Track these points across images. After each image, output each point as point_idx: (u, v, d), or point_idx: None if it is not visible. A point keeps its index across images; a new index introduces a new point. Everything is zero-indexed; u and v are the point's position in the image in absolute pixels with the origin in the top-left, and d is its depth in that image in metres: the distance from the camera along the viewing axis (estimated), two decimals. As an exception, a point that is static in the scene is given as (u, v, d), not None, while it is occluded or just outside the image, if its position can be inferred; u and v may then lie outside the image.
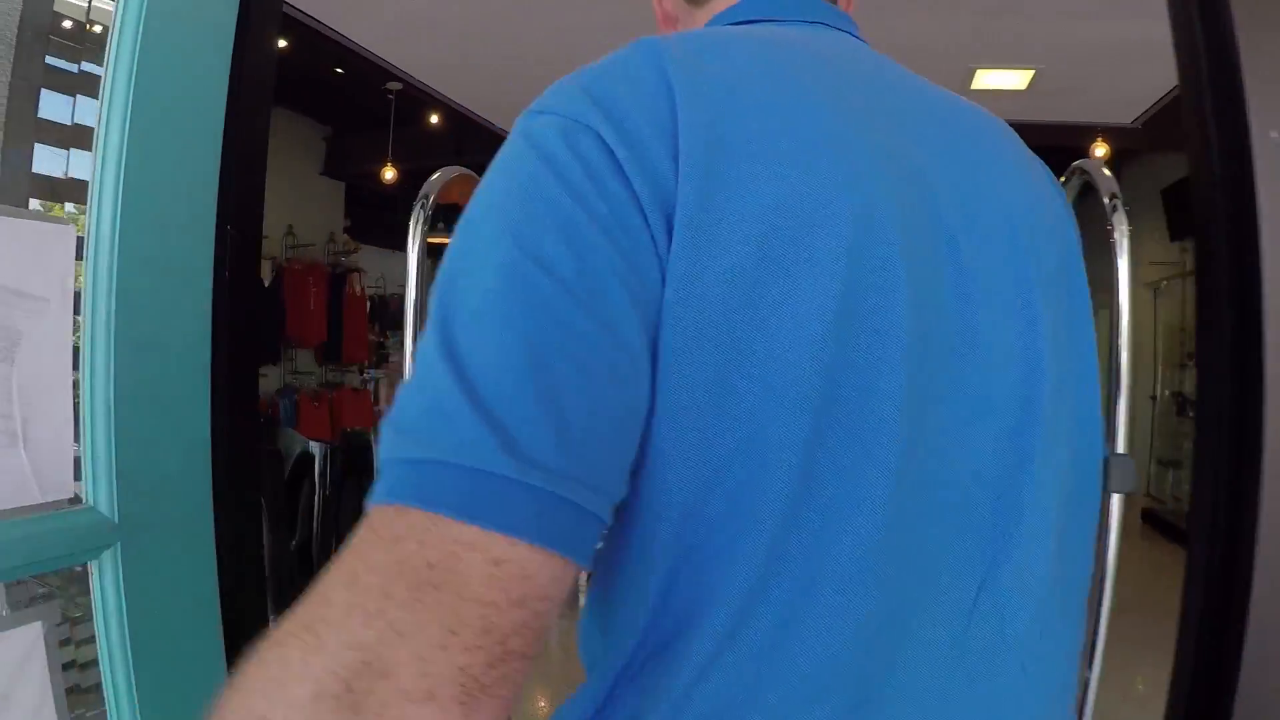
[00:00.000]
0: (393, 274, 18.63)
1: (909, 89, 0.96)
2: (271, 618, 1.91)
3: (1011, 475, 0.85)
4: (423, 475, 0.64)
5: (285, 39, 8.26)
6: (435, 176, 2.04)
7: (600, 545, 0.74)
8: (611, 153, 0.74)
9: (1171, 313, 11.38)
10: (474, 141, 10.99)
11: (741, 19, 1.01)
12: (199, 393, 1.72)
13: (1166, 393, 11.39)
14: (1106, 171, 2.11)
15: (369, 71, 9.06)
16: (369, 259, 17.70)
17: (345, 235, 13.04)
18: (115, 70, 1.59)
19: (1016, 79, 7.83)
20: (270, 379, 11.06)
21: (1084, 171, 2.12)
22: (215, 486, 1.74)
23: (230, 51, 1.80)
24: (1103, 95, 8.19)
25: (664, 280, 0.73)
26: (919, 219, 0.82)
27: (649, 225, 0.73)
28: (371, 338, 17.99)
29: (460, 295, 0.71)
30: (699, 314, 0.73)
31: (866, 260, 0.76)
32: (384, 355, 18.24)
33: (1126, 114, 8.78)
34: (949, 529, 0.82)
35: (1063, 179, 2.31)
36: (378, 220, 16.86)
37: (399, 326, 17.96)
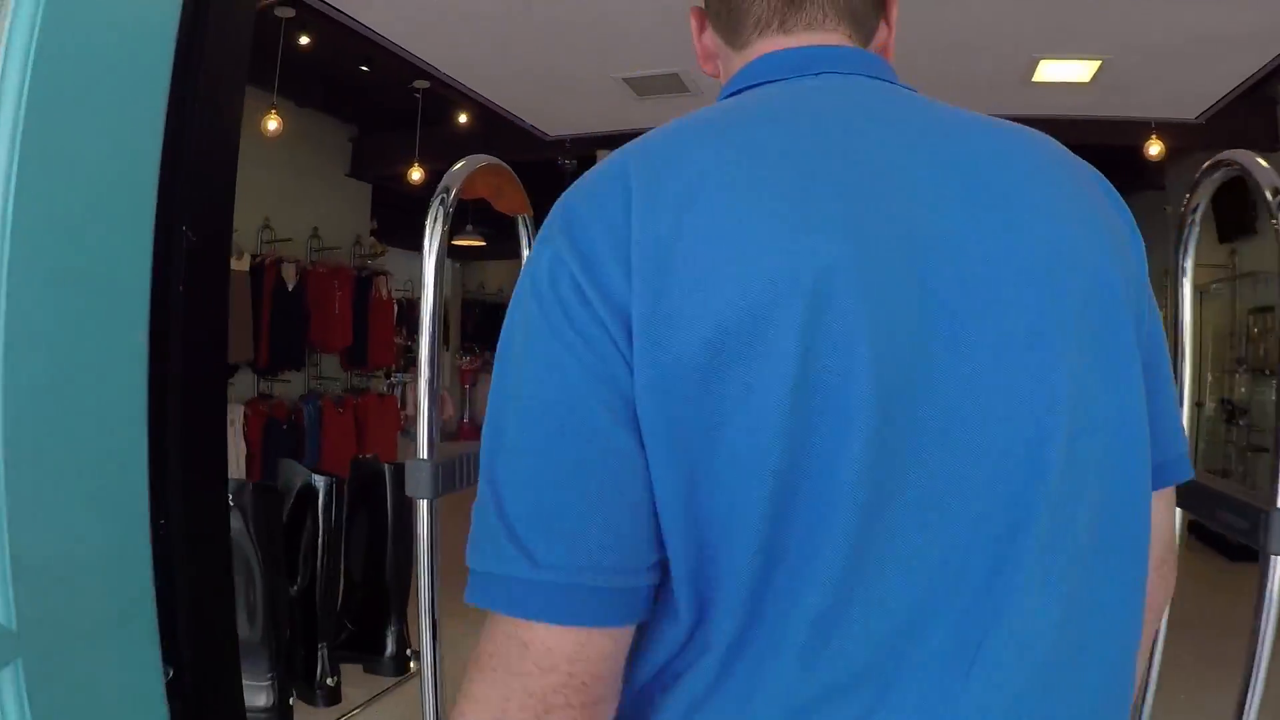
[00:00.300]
0: (421, 277, 18.44)
1: (922, 132, 0.99)
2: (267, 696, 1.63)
3: (1011, 535, 0.89)
4: (482, 583, 0.88)
5: (307, 35, 8.06)
6: (459, 166, 1.72)
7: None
8: (579, 284, 0.88)
9: (1221, 316, 11.03)
10: (505, 140, 10.74)
11: (750, 83, 1.08)
12: (132, 455, 1.29)
13: (1214, 401, 11.02)
14: (1263, 162, 1.81)
15: (396, 68, 8.82)
16: (397, 262, 17.51)
17: (372, 238, 12.80)
18: (9, 41, 1.18)
19: (1081, 70, 7.45)
20: (294, 384, 10.87)
21: (1235, 164, 1.82)
22: (161, 578, 1.34)
23: (176, 19, 1.40)
24: (1168, 89, 7.83)
25: (632, 374, 0.87)
26: (895, 284, 0.87)
27: (611, 336, 0.87)
28: (399, 341, 17.85)
29: (494, 428, 0.92)
30: (663, 409, 0.86)
31: (820, 346, 0.84)
32: (412, 359, 18.01)
33: (1191, 109, 8.43)
34: (927, 591, 0.88)
35: (1206, 166, 2.05)
36: (405, 222, 16.62)
37: (426, 330, 17.88)
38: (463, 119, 10.33)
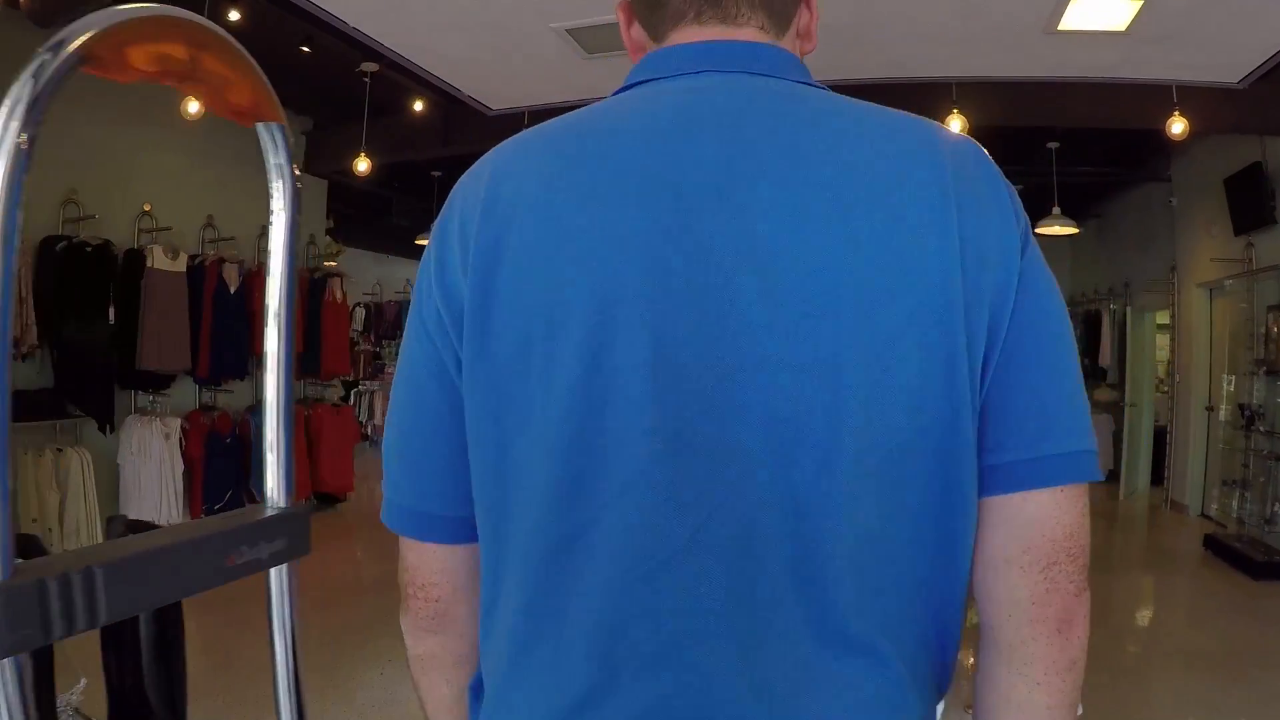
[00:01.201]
0: (390, 279, 17.78)
1: (775, 141, 1.04)
2: None
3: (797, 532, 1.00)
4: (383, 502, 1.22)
5: (238, 10, 7.32)
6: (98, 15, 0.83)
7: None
8: (433, 277, 1.10)
9: (1236, 315, 10.29)
10: (467, 131, 10.01)
11: (636, 79, 1.18)
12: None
13: (1230, 406, 10.27)
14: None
15: (339, 50, 8.09)
16: (359, 263, 16.86)
17: (328, 237, 12.01)
18: None
19: (1118, 15, 6.52)
20: (240, 395, 10.06)
21: None
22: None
23: None
24: (1213, 44, 6.97)
25: (459, 357, 1.08)
26: (692, 295, 0.99)
27: (445, 323, 1.08)
28: (367, 347, 17.17)
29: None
30: (484, 389, 1.05)
31: (606, 339, 0.99)
32: (380, 366, 17.39)
33: (1233, 70, 7.56)
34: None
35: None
36: (367, 222, 15.98)
37: (395, 336, 17.22)
38: (418, 107, 9.60)
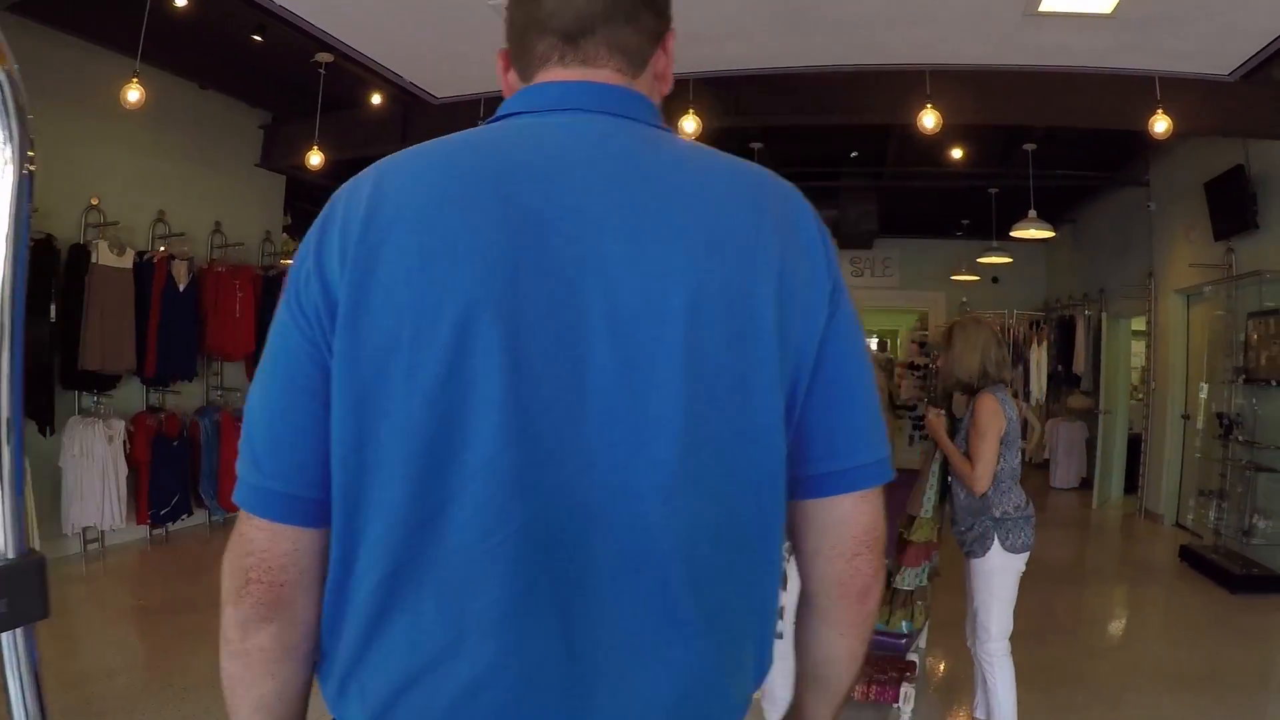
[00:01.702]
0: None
1: (619, 176, 1.20)
2: None
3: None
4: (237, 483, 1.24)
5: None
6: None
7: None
8: (311, 271, 1.18)
9: (1214, 321, 10.08)
10: (427, 125, 9.71)
11: (509, 111, 1.32)
12: None
13: (1206, 414, 10.04)
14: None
15: (293, 40, 7.79)
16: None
17: (285, 234, 11.67)
18: None
19: None
20: (190, 396, 9.73)
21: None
22: None
23: None
24: (1201, 31, 6.70)
25: (331, 349, 1.16)
26: (539, 311, 1.13)
27: (321, 316, 1.16)
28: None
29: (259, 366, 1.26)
30: (351, 379, 1.14)
31: (468, 343, 1.11)
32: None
33: (1223, 63, 7.31)
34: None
35: None
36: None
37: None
38: (376, 100, 9.31)
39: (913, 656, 5.48)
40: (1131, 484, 12.76)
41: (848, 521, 1.29)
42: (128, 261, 8.51)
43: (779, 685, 3.02)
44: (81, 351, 8.14)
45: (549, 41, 1.32)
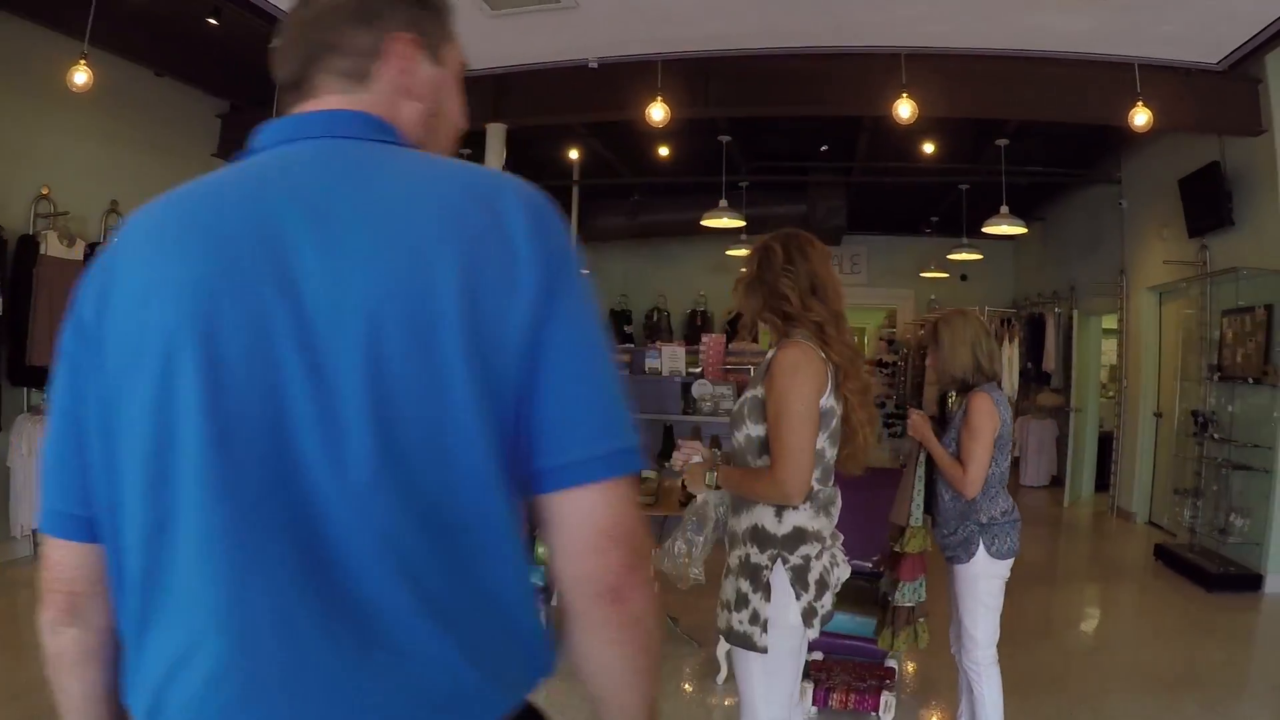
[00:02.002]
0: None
1: (328, 194, 1.26)
2: None
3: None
4: None
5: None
6: None
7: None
8: (81, 304, 1.30)
9: (1187, 319, 9.99)
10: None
11: (249, 149, 1.38)
12: None
13: (1183, 412, 9.94)
14: None
15: (251, 24, 7.55)
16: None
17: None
18: None
19: None
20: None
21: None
22: None
23: None
24: (1192, 15, 6.53)
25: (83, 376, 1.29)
26: (239, 327, 1.19)
27: (79, 356, 1.29)
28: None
29: None
30: (99, 406, 1.26)
31: (173, 367, 1.19)
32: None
33: (1213, 50, 7.17)
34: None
35: None
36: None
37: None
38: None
39: (891, 663, 5.31)
40: (1103, 482, 12.74)
41: (588, 515, 1.27)
42: (78, 253, 8.23)
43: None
44: (30, 346, 7.87)
45: (289, 75, 1.42)
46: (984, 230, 11.29)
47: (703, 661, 6.01)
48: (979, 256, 14.18)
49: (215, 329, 1.19)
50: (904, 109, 7.26)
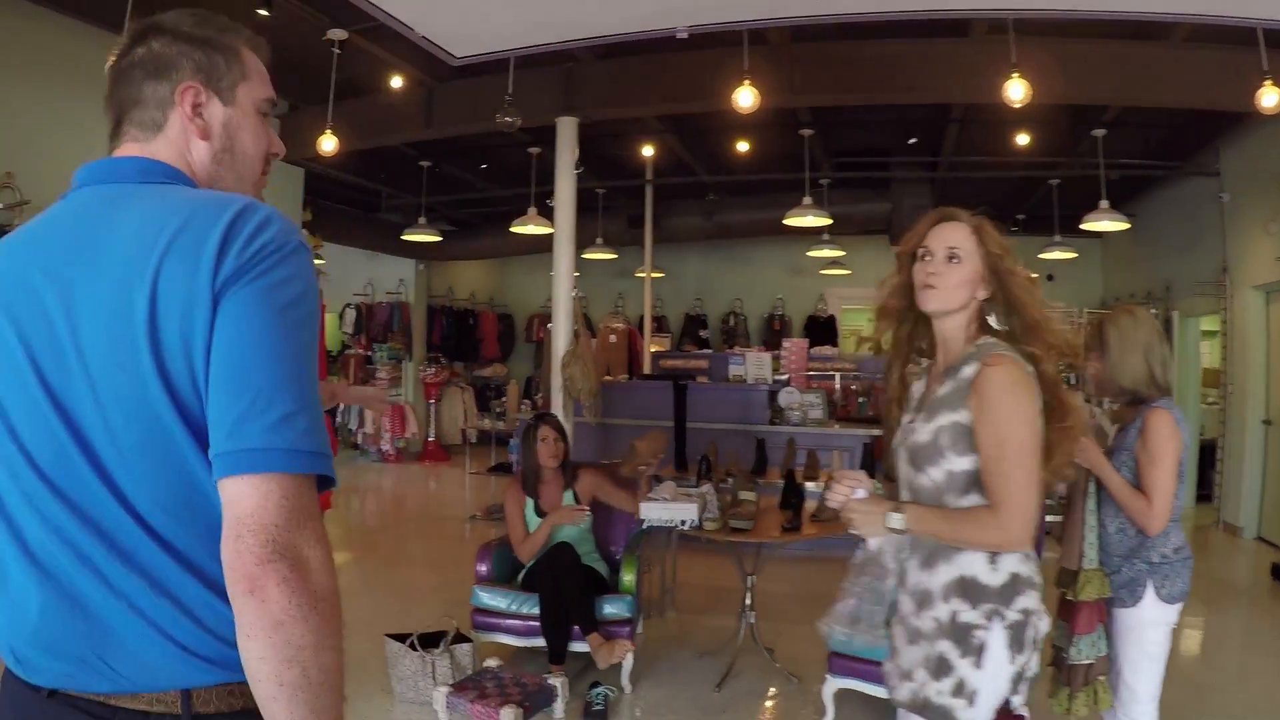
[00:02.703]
0: (382, 278, 16.87)
1: (65, 224, 1.52)
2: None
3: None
4: None
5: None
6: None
7: None
8: None
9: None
10: (449, 111, 9.11)
11: (71, 188, 1.62)
12: None
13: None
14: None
15: (304, 15, 7.18)
16: (349, 262, 15.96)
17: (304, 230, 11.06)
18: None
19: None
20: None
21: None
22: None
23: None
24: None
25: None
26: (20, 326, 1.45)
27: None
28: (359, 351, 16.29)
29: None
30: None
31: None
32: (372, 371, 16.49)
33: None
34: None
35: None
36: (356, 218, 15.12)
37: (386, 339, 16.36)
38: (397, 84, 8.68)
39: (1023, 711, 4.73)
40: (1204, 493, 12.02)
41: (230, 505, 1.34)
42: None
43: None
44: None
45: (109, 124, 1.65)
46: (1081, 226, 10.67)
47: (802, 699, 5.45)
48: (1073, 255, 13.50)
49: None
50: (1016, 89, 6.62)
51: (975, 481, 2.56)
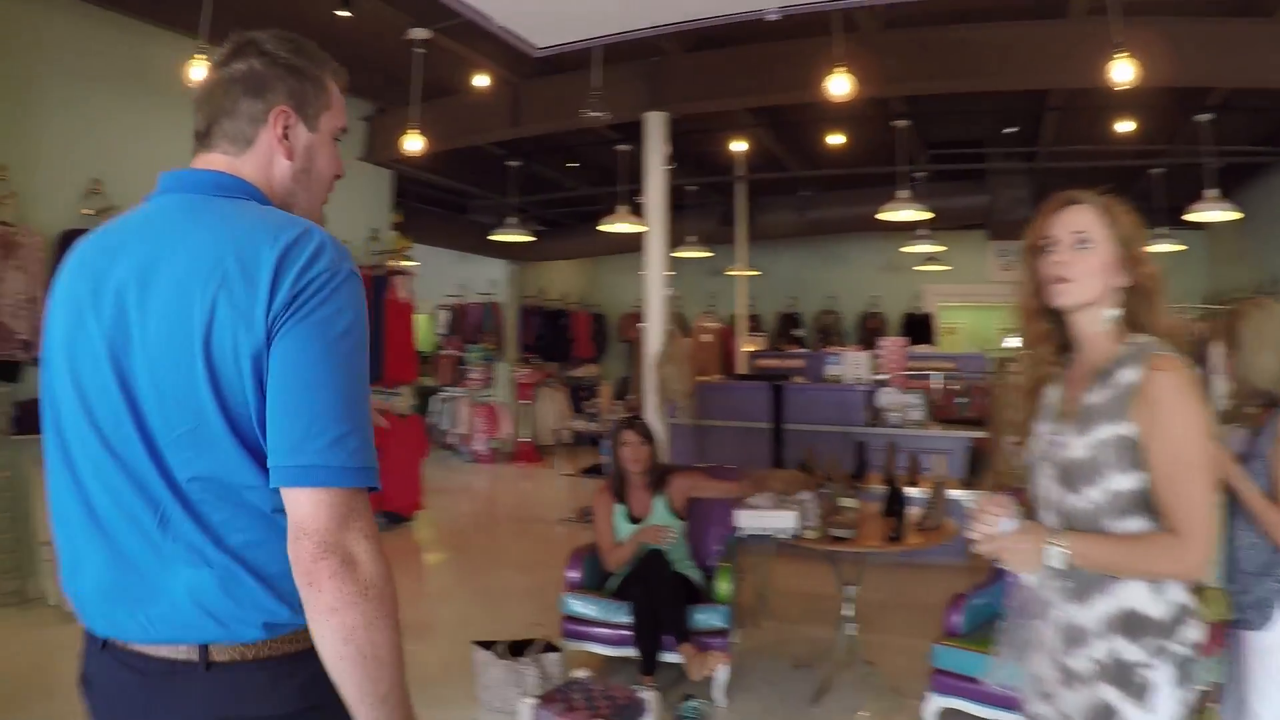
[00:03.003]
0: (474, 279, 16.86)
1: (146, 229, 1.71)
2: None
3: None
4: None
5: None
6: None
7: None
8: None
9: None
10: (533, 109, 9.00)
11: (154, 193, 1.81)
12: None
13: None
14: None
15: (384, 15, 7.10)
16: (441, 263, 15.95)
17: (395, 232, 11.03)
18: None
19: None
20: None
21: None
22: None
23: None
24: None
25: None
26: (101, 317, 1.64)
27: None
28: (452, 351, 16.30)
29: None
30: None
31: (49, 374, 1.73)
32: (464, 371, 16.47)
33: None
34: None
35: None
36: (446, 220, 15.11)
37: (478, 340, 16.34)
38: (483, 82, 8.59)
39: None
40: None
41: (293, 510, 1.55)
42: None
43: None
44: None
45: (195, 138, 1.84)
46: (1186, 217, 10.19)
47: (903, 716, 5.13)
48: (1182, 247, 13.00)
49: (75, 336, 1.69)
50: (1122, 71, 6.22)
51: (1140, 502, 2.24)
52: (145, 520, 1.61)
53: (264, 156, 1.80)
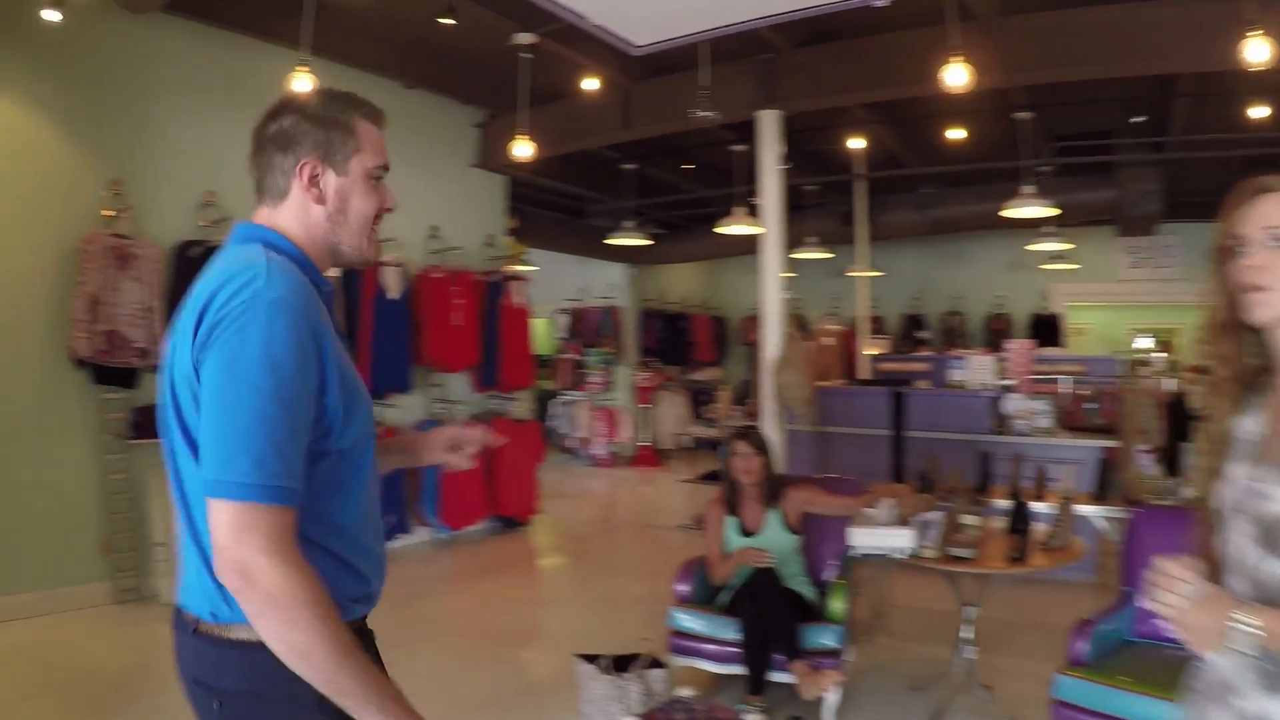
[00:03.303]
0: (592, 282, 16.84)
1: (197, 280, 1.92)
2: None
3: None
4: None
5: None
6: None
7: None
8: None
9: None
10: (644, 111, 8.89)
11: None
12: None
13: None
14: None
15: (488, 21, 7.06)
16: (559, 267, 15.96)
17: (510, 237, 11.01)
18: None
19: None
20: (409, 410, 9.29)
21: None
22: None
23: None
24: None
25: None
26: (169, 340, 1.89)
27: None
28: (571, 355, 16.30)
29: None
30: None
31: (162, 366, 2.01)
32: (583, 375, 16.47)
33: None
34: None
35: None
36: (564, 224, 15.10)
37: (598, 344, 16.31)
38: (592, 85, 8.50)
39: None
40: None
41: (211, 520, 1.72)
42: (334, 270, 7.91)
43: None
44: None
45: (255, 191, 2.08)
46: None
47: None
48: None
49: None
50: (1256, 50, 5.79)
51: None
52: (180, 504, 1.88)
53: (298, 206, 2.00)
